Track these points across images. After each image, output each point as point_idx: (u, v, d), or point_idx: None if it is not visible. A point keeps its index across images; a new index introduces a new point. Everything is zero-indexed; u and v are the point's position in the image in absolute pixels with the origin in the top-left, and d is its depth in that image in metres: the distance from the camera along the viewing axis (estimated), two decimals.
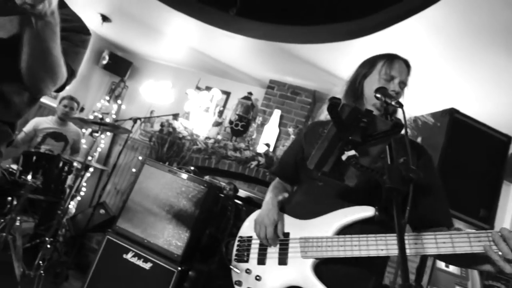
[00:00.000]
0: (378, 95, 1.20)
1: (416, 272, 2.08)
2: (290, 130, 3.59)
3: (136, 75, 4.94)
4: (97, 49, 4.72)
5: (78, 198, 4.32)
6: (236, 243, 1.39)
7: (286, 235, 1.27)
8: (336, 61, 3.31)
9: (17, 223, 2.56)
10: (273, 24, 3.40)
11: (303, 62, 3.50)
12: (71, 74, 1.01)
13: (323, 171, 1.14)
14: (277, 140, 3.69)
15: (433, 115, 2.21)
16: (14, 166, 2.80)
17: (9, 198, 2.85)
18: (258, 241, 1.32)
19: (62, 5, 1.03)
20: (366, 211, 1.19)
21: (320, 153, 1.13)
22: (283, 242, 1.26)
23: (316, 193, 1.30)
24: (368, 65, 1.34)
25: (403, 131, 1.04)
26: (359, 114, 1.04)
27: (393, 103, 1.12)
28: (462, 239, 0.95)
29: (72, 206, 4.15)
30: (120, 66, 4.75)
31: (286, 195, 1.40)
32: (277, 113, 3.83)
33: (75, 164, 3.21)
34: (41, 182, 2.61)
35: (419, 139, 2.19)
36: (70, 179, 3.32)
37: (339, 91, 1.42)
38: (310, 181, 1.33)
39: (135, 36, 4.31)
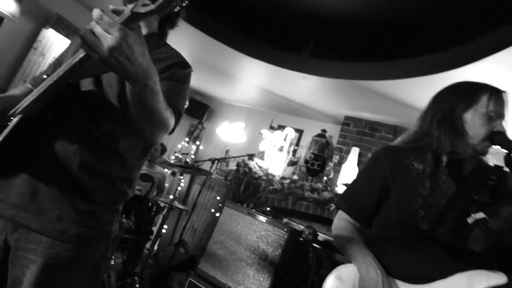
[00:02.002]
0: (497, 143, 1.05)
1: None
2: None
3: (212, 117, 5.24)
4: None
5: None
6: None
7: None
8: (419, 95, 3.08)
9: (112, 262, 2.75)
10: (348, 62, 3.36)
11: (381, 97, 3.34)
12: (179, 115, 0.99)
13: (441, 232, 1.01)
14: None
15: None
16: None
17: None
18: None
19: (161, 44, 1.07)
20: (499, 277, 0.99)
21: (436, 211, 1.00)
22: None
23: (424, 251, 1.09)
24: (468, 96, 1.15)
25: None
26: (485, 171, 0.90)
27: None
28: None
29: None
30: (198, 109, 5.09)
31: None
32: (355, 151, 3.66)
33: (161, 204, 3.41)
34: (133, 223, 2.80)
35: None
36: (156, 219, 3.51)
37: (415, 122, 1.24)
38: (408, 234, 1.11)
39: (212, 82, 4.62)
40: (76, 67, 0.73)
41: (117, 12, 0.64)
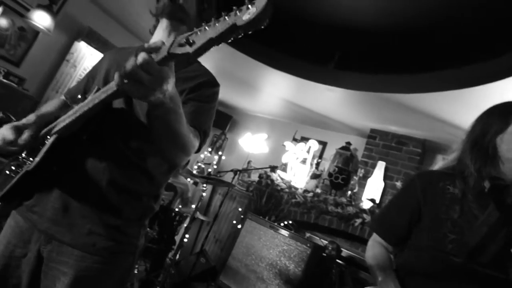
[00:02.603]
0: None
1: None
2: (398, 184, 3.26)
3: (235, 127, 5.26)
4: None
5: None
6: None
7: None
8: (450, 109, 2.97)
9: (135, 271, 2.78)
10: (373, 75, 3.29)
11: (408, 110, 3.25)
12: (204, 136, 0.99)
13: (479, 262, 0.94)
14: (383, 195, 3.38)
15: None
16: None
17: None
18: None
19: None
20: None
21: (476, 239, 0.94)
22: None
23: (458, 280, 1.02)
24: (501, 119, 1.09)
25: None
26: None
27: None
28: None
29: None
30: (221, 120, 5.14)
31: None
32: (381, 165, 3.56)
33: (184, 215, 3.43)
34: (156, 232, 2.83)
35: None
36: (179, 228, 3.54)
37: (455, 146, 1.19)
38: (440, 261, 1.05)
39: (236, 93, 4.65)
40: (110, 97, 0.76)
41: (153, 50, 0.64)
